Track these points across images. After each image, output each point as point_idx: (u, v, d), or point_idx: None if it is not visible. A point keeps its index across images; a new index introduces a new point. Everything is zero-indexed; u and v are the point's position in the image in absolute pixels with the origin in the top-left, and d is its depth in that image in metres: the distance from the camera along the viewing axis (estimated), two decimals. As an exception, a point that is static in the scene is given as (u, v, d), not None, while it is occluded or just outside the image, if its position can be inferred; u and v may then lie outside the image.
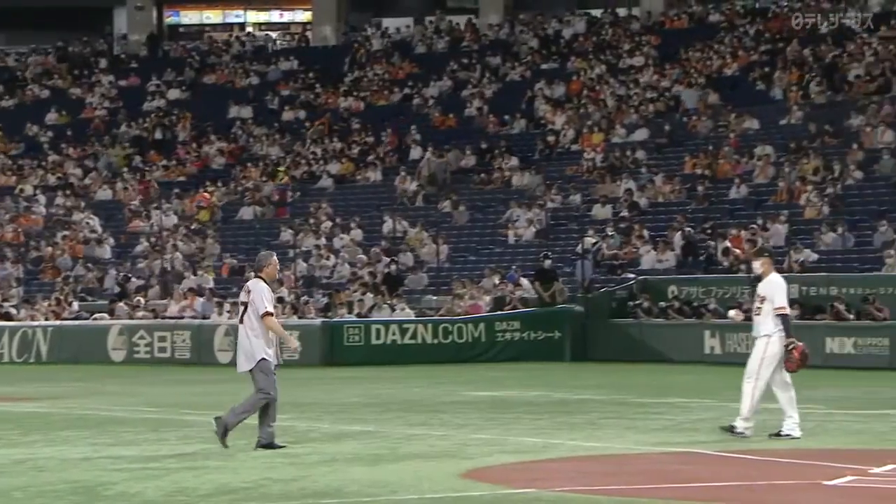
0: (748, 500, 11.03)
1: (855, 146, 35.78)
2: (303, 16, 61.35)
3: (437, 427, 16.49)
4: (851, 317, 28.04)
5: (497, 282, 33.72)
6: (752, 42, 45.47)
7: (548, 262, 33.00)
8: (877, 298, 27.98)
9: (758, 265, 14.90)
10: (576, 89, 46.21)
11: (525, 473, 12.41)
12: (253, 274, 14.72)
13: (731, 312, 15.39)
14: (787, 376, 14.52)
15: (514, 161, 41.93)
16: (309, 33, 58.40)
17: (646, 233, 34.93)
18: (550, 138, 43.45)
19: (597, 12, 52.49)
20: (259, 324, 13.93)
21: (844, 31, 43.70)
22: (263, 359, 13.91)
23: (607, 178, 38.97)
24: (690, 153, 39.26)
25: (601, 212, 37.26)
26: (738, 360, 28.30)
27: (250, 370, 14.00)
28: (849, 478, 11.64)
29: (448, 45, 52.87)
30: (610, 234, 35.29)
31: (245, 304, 14.11)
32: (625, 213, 36.79)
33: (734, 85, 43.56)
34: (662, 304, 31.16)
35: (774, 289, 14.65)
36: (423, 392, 22.71)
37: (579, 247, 34.44)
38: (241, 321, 14.10)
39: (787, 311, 14.75)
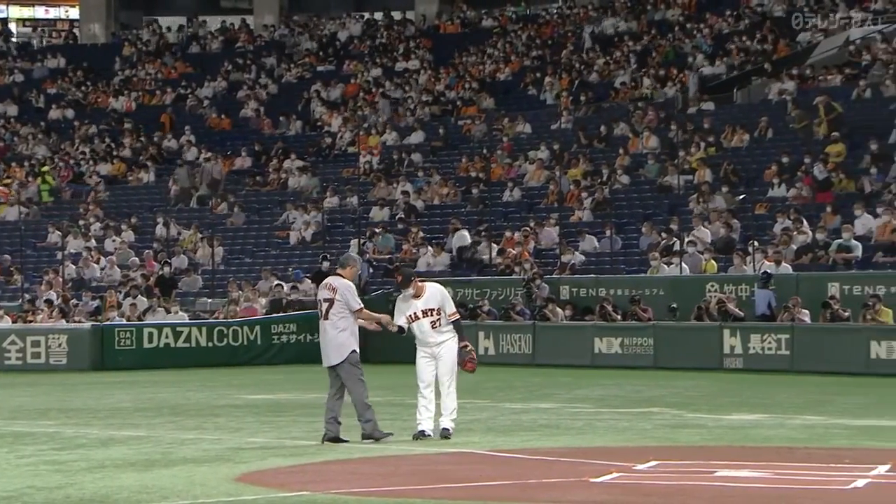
0: (518, 497, 11.22)
1: (621, 151, 36.86)
2: (70, 12, 59.79)
3: (211, 431, 16.28)
4: (618, 317, 28.85)
5: (274, 284, 33.50)
6: (524, 47, 46.43)
7: (325, 264, 32.95)
8: (642, 299, 28.86)
9: (411, 290, 14.88)
10: (352, 91, 46.36)
11: (300, 476, 12.36)
12: (332, 270, 15.18)
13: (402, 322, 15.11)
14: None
15: (293, 163, 41.80)
16: (77, 30, 56.96)
17: (422, 235, 35.25)
18: (327, 140, 43.48)
19: (374, 15, 52.77)
20: (345, 319, 14.35)
21: (610, 39, 45.03)
22: (353, 351, 14.43)
23: (384, 180, 39.20)
24: (465, 156, 39.81)
25: (378, 214, 37.44)
26: (512, 361, 29.09)
27: (338, 364, 14.39)
28: (615, 475, 11.97)
29: (222, 46, 52.33)
30: (379, 233, 35.45)
31: (330, 301, 14.43)
32: (401, 216, 37.07)
33: (507, 89, 44.39)
34: (439, 305, 31.45)
35: (444, 298, 14.96)
36: (197, 396, 22.39)
37: (351, 248, 34.50)
38: (326, 317, 14.46)
39: (458, 315, 15.21)
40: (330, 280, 14.76)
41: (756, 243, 29.35)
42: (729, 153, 35.39)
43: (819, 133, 34.40)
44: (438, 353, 14.94)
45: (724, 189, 33.15)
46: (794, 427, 16.25)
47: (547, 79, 43.00)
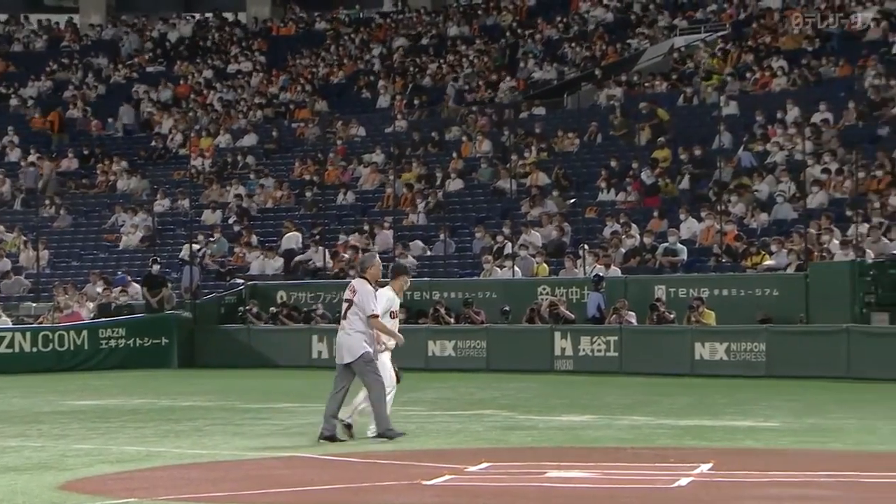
0: (351, 501, 11.21)
1: (455, 155, 37.11)
2: None
3: (34, 438, 15.87)
4: (452, 320, 29.01)
5: (101, 288, 32.84)
6: (357, 51, 46.41)
7: (156, 268, 32.46)
8: (475, 302, 29.07)
9: (404, 286, 15.38)
10: (183, 93, 45.76)
11: (126, 483, 12.11)
12: (356, 274, 15.23)
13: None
14: None
15: (121, 164, 41.07)
16: None
17: (255, 238, 34.95)
18: (157, 142, 42.84)
19: (204, 16, 52.16)
20: (361, 322, 14.52)
21: (445, 43, 45.31)
22: (367, 351, 14.54)
23: (216, 182, 38.77)
24: (299, 159, 39.61)
25: (210, 217, 36.99)
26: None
27: (351, 363, 14.57)
28: (446, 477, 12.02)
29: (46, 45, 51.13)
30: (212, 238, 35.07)
31: (349, 302, 14.67)
32: (234, 219, 36.70)
33: (341, 92, 44.31)
34: (273, 309, 31.29)
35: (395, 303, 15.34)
36: (21, 402, 21.80)
37: (183, 252, 34.05)
38: (345, 317, 14.71)
39: None
40: (354, 282, 14.96)
41: (586, 247, 29.84)
42: (560, 158, 35.92)
43: (642, 139, 35.21)
44: (386, 352, 15.12)
45: (556, 193, 33.63)
46: (621, 427, 16.55)
47: (381, 82, 43.06)
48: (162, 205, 38.22)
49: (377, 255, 15.81)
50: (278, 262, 33.59)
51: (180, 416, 18.62)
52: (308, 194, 37.10)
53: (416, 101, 41.55)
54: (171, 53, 49.10)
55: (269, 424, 17.26)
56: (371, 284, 14.76)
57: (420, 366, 27.96)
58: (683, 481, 11.66)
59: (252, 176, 39.14)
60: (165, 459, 13.75)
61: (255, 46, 48.19)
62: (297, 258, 33.45)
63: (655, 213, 31.08)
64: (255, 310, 31.40)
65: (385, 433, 14.65)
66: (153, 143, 42.95)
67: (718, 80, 36.36)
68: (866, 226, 27.28)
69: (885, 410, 18.69)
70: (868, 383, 23.01)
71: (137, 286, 32.51)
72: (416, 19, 47.85)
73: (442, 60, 43.66)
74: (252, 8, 52.00)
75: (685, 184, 32.20)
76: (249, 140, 41.62)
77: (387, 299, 14.96)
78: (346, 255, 32.85)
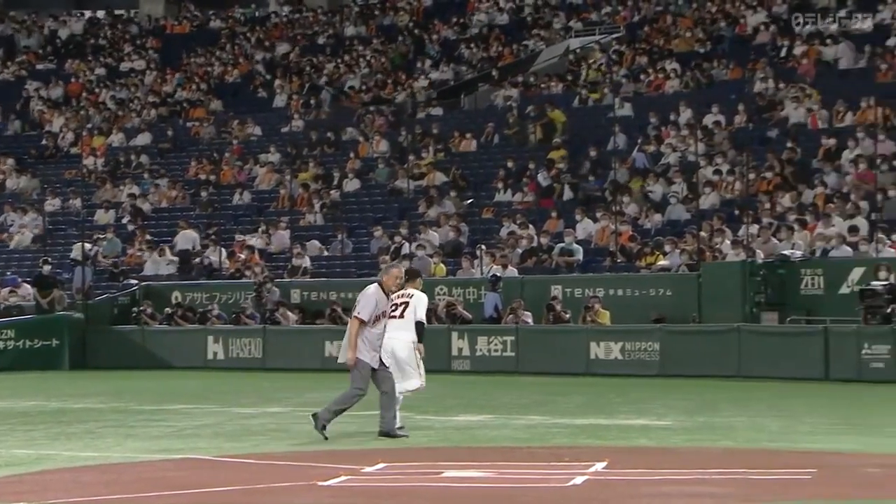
0: (245, 503, 11.12)
1: (352, 155, 37.04)
2: None
3: (-80, 444, 15.51)
4: (347, 320, 28.91)
5: (-10, 289, 32.27)
6: (253, 50, 46.12)
7: (46, 268, 31.94)
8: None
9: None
10: (75, 91, 45.12)
11: (15, 486, 11.90)
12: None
13: None
14: None
15: (9, 163, 40.37)
16: None
17: (148, 237, 34.56)
18: (48, 141, 42.18)
19: (96, 13, 51.48)
20: (363, 326, 14.63)
21: (342, 42, 45.22)
22: (358, 359, 14.68)
23: (109, 182, 38.26)
24: (194, 158, 39.24)
25: (104, 217, 36.51)
26: (241, 365, 28.83)
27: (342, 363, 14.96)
28: (343, 478, 11.99)
29: (-67, 41, 50.13)
30: (103, 237, 34.57)
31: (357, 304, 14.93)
32: (128, 219, 36.25)
33: (236, 91, 43.99)
34: (168, 310, 30.97)
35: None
36: None
37: (75, 252, 33.55)
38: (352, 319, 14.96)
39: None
40: (368, 286, 15.12)
41: (483, 247, 29.96)
42: (457, 158, 36.02)
43: (534, 139, 35.44)
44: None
45: (453, 193, 33.72)
46: (517, 427, 16.65)
47: (277, 82, 42.83)
48: (53, 204, 37.64)
49: (396, 266, 15.87)
50: (172, 262, 33.23)
51: (72, 419, 18.34)
52: (203, 194, 36.77)
53: (312, 101, 41.38)
54: (61, 51, 48.36)
55: (163, 426, 17.08)
56: (384, 291, 14.88)
57: (317, 366, 27.91)
58: (578, 480, 11.75)
59: (146, 175, 38.70)
60: (56, 462, 13.53)
61: (149, 44, 47.66)
62: (196, 260, 33.12)
63: (552, 214, 31.31)
64: (149, 310, 31.05)
65: (319, 428, 14.92)
66: (44, 142, 42.27)
67: (601, 92, 36.79)
68: (756, 226, 27.75)
69: (774, 408, 19.02)
70: (758, 381, 23.41)
71: (28, 287, 31.98)
72: (313, 19, 47.67)
73: (339, 60, 43.55)
74: (145, 5, 51.42)
75: (567, 193, 32.39)
76: (143, 139, 41.14)
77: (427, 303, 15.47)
78: (243, 256, 32.62)
